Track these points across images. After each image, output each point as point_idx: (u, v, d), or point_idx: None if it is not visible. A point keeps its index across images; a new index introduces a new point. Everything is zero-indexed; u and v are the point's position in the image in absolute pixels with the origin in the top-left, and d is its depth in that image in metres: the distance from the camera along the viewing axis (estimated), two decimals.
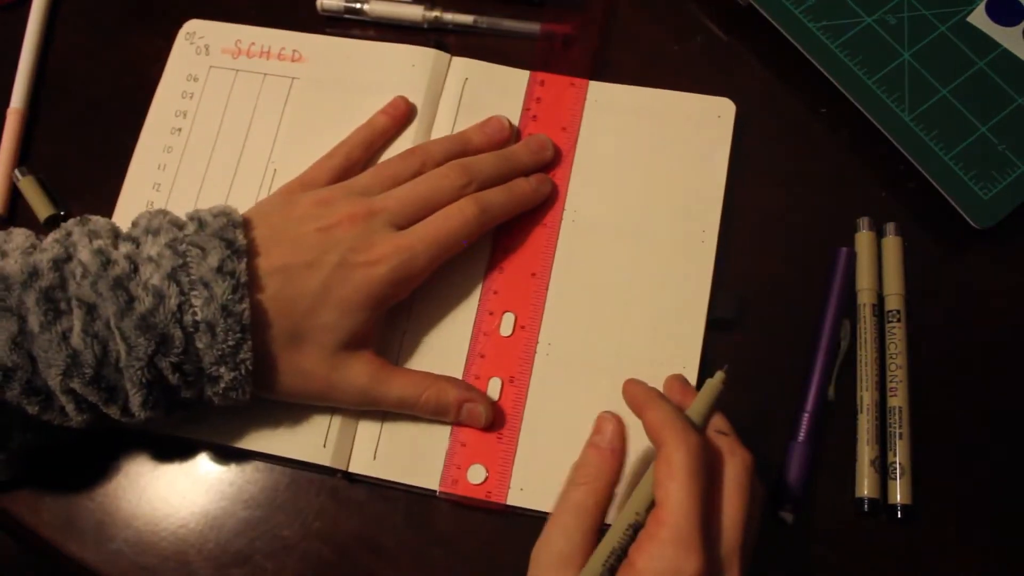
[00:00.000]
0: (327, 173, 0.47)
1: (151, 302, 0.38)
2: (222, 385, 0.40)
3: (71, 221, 0.43)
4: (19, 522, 0.45)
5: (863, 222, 0.49)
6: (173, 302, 0.39)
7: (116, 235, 0.42)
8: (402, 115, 0.50)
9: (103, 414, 0.41)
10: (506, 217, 0.48)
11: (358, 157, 0.49)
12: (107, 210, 0.50)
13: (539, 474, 0.44)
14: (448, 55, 0.52)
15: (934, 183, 0.48)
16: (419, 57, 0.52)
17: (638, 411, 0.39)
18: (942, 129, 0.49)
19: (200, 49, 0.54)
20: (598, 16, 0.54)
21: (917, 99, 0.49)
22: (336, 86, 0.52)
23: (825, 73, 0.50)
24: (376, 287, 0.43)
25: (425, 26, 0.54)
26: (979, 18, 0.51)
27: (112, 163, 0.51)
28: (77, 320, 0.38)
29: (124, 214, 0.50)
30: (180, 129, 0.52)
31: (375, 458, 0.45)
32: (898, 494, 0.44)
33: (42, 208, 0.51)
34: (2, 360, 0.38)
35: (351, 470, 0.45)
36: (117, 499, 0.45)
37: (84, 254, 0.40)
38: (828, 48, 0.51)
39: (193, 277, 0.39)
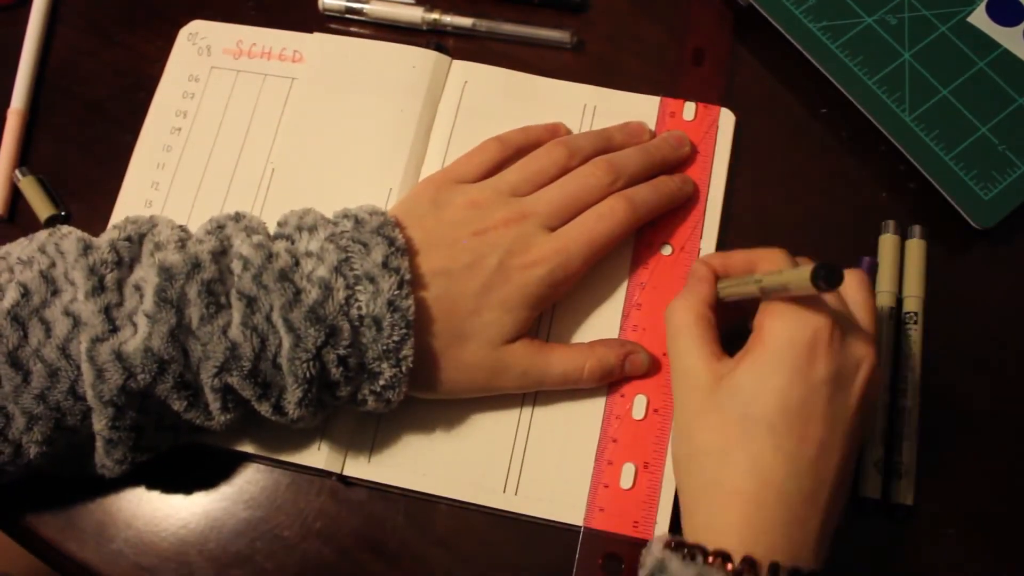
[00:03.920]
0: (476, 168, 0.47)
1: (319, 294, 0.39)
2: (381, 382, 0.40)
3: (223, 215, 0.43)
4: (19, 522, 0.45)
5: (888, 225, 0.48)
6: (341, 295, 0.39)
7: (267, 233, 0.42)
8: (558, 132, 0.50)
9: (246, 414, 0.41)
10: (655, 215, 0.47)
11: (509, 156, 0.48)
12: (107, 209, 0.50)
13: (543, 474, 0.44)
14: (448, 58, 0.52)
15: (935, 183, 0.48)
16: (420, 58, 0.52)
17: (752, 265, 0.42)
18: (942, 129, 0.49)
19: (202, 50, 0.54)
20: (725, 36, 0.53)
21: (917, 99, 0.49)
22: (336, 86, 0.52)
23: (825, 73, 0.50)
24: (535, 288, 0.43)
25: (424, 28, 0.54)
26: (979, 18, 0.51)
27: (112, 163, 0.51)
28: (237, 312, 0.38)
29: (123, 213, 0.50)
30: (180, 129, 0.52)
31: (369, 462, 0.45)
32: (900, 494, 0.44)
33: (42, 208, 0.51)
34: (160, 352, 0.38)
35: (346, 474, 0.45)
36: (117, 499, 0.45)
37: (244, 248, 0.40)
38: (828, 48, 0.51)
39: (357, 272, 0.40)
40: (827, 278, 0.34)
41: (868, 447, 0.44)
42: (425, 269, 0.42)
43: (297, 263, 0.40)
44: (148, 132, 0.52)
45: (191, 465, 0.46)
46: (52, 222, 0.51)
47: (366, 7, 0.54)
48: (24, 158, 0.53)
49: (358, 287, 0.39)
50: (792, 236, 0.49)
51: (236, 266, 0.39)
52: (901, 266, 0.48)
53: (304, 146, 0.50)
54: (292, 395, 0.39)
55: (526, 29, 0.53)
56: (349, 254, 0.40)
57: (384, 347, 0.39)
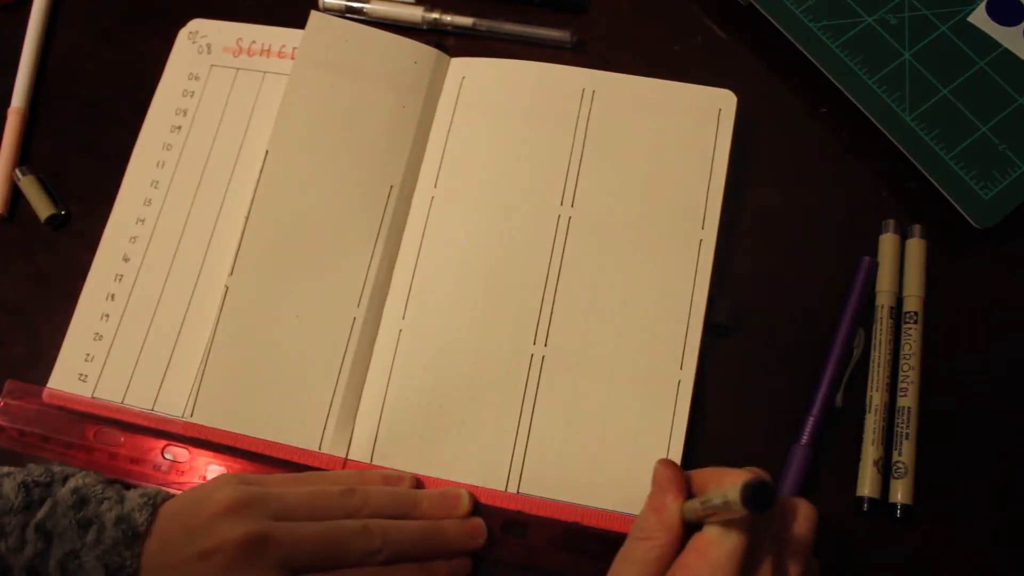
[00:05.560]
0: (283, 483, 0.43)
1: None
2: None
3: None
4: None
5: (888, 224, 0.49)
6: None
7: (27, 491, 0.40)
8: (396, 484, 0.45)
9: None
10: None
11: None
12: (107, 208, 0.50)
13: (544, 468, 0.45)
14: (448, 57, 0.52)
15: (935, 183, 0.48)
16: (422, 55, 0.52)
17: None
18: (943, 129, 0.49)
19: (202, 48, 0.54)
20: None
21: (917, 99, 0.49)
22: (335, 79, 0.51)
23: (826, 73, 0.50)
24: None
25: (424, 27, 0.54)
26: (980, 18, 0.51)
27: (112, 162, 0.51)
28: None
29: (122, 212, 0.51)
30: (180, 127, 0.52)
31: (371, 460, 0.45)
32: (899, 494, 0.44)
33: (43, 207, 0.51)
34: None
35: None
36: None
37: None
38: (828, 48, 0.50)
39: None
40: (755, 499, 0.32)
41: (868, 447, 0.44)
42: None
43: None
44: (148, 131, 0.52)
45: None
46: (52, 221, 0.51)
47: (366, 6, 0.54)
48: (24, 157, 0.53)
49: None
50: (792, 236, 0.49)
51: None
52: (901, 266, 0.48)
53: (304, 141, 0.49)
54: None
55: (526, 29, 0.53)
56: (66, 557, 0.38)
57: None
